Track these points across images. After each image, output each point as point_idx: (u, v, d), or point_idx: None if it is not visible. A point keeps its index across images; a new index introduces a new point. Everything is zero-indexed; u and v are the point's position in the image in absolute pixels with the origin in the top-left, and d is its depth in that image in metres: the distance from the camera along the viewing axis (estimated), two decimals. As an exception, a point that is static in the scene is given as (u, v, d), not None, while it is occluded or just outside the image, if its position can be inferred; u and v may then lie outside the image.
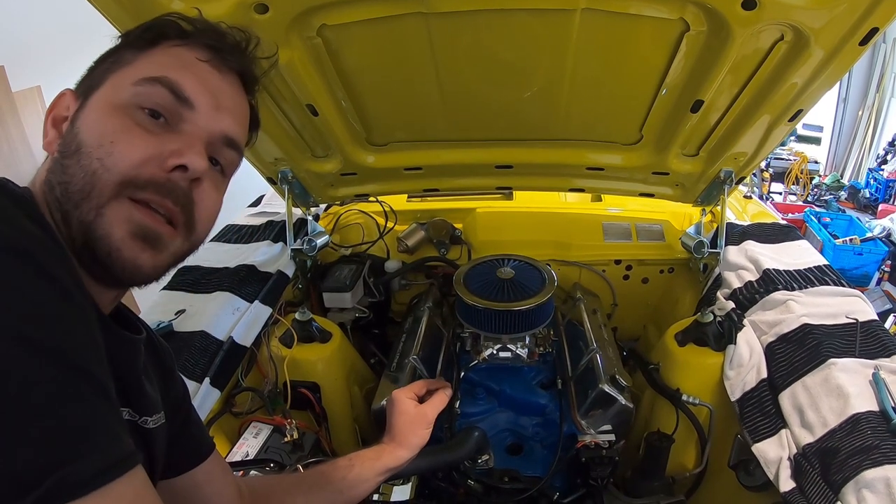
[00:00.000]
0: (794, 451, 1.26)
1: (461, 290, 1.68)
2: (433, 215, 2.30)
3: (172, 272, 0.82)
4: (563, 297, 2.12)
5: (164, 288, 1.75)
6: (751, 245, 1.97)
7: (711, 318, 1.61)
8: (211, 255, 1.94)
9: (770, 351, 1.51)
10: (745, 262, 1.89)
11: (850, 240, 5.23)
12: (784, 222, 2.23)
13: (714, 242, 1.96)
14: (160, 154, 0.70)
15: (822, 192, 7.19)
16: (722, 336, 1.60)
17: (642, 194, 2.06)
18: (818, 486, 1.15)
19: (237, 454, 1.42)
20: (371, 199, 2.27)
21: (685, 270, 2.16)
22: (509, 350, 1.67)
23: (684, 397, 1.55)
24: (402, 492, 1.46)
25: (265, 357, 1.66)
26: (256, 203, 2.44)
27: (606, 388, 1.49)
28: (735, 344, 1.55)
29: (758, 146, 1.70)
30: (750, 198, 2.60)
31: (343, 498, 1.18)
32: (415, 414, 1.32)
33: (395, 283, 2.23)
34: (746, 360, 1.52)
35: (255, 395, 1.61)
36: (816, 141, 7.99)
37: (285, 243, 2.00)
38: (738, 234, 2.04)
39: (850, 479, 1.10)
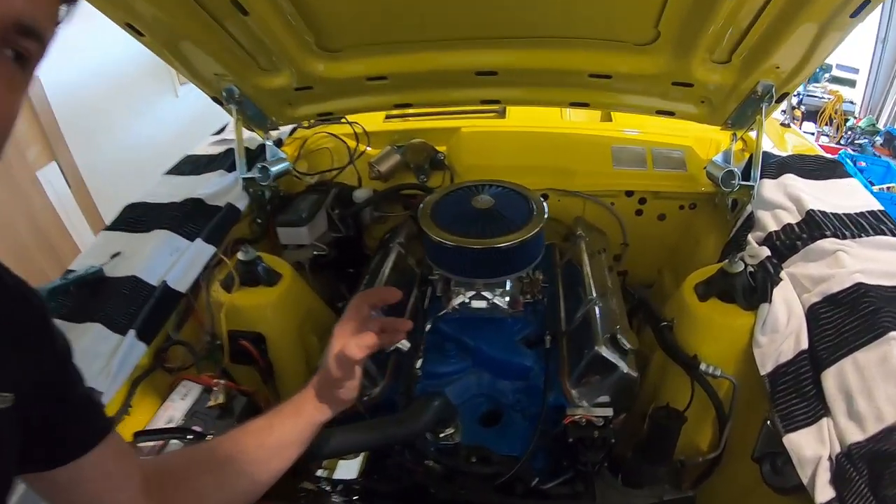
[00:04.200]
0: (838, 449, 0.99)
1: (427, 224, 1.36)
2: (413, 137, 1.98)
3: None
4: (564, 233, 1.79)
5: (106, 228, 1.58)
6: (791, 180, 1.64)
7: (742, 267, 1.28)
8: (160, 189, 1.72)
9: (813, 314, 1.20)
10: (783, 199, 1.56)
11: (889, 188, 4.80)
12: (830, 156, 1.88)
13: (746, 174, 1.62)
14: None
15: (857, 136, 6.72)
16: (754, 291, 1.28)
17: (660, 112, 1.70)
18: (865, 499, 0.88)
19: (161, 419, 1.24)
20: (343, 120, 2.01)
21: (710, 207, 1.82)
22: (484, 298, 1.36)
23: (702, 366, 1.23)
24: (348, 468, 1.23)
25: (203, 304, 1.45)
26: (222, 131, 2.18)
27: (604, 350, 1.18)
28: (770, 302, 1.24)
29: (807, 51, 1.33)
30: (788, 126, 2.23)
31: (264, 470, 0.94)
32: (339, 361, 0.97)
33: (366, 216, 1.97)
34: (783, 325, 1.21)
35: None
36: (851, 83, 7.47)
37: (242, 173, 1.74)
38: (775, 166, 1.70)
39: (908, 497, 0.84)
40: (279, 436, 0.96)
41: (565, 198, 1.85)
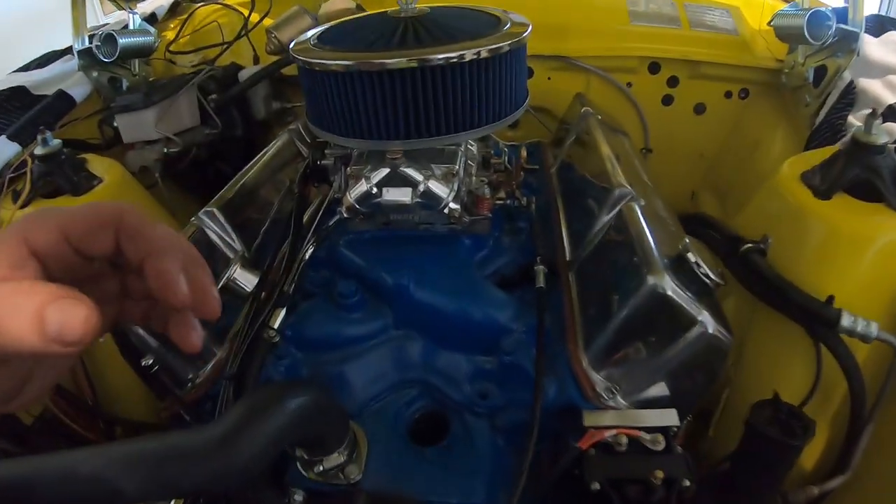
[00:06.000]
0: None
1: (304, 50, 0.69)
2: (337, -3, 1.35)
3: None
4: (557, 133, 1.17)
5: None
6: (904, 37, 1.08)
7: (885, 139, 0.68)
8: None
9: None
10: (899, 61, 1.00)
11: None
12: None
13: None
14: None
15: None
16: (913, 179, 0.68)
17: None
18: None
19: None
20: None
21: (770, 95, 1.22)
22: (409, 181, 0.69)
23: (846, 320, 0.62)
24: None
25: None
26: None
27: (667, 284, 0.56)
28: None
29: None
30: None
31: None
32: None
33: (259, 106, 1.37)
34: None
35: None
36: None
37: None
38: (871, 22, 1.12)
39: None
40: None
41: (558, 72, 1.21)
